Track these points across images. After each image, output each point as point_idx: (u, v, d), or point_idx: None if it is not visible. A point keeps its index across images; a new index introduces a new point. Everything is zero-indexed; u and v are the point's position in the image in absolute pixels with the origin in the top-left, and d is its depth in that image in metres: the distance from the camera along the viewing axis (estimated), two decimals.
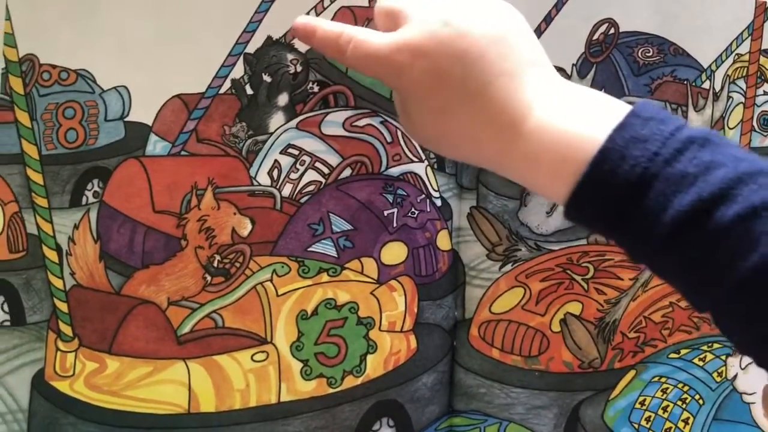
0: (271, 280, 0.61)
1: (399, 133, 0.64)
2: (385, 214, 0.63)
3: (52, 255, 0.59)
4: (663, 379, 0.67)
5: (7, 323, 0.58)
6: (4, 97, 0.58)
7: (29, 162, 0.58)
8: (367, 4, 0.62)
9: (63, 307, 0.59)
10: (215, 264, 0.61)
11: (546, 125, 0.43)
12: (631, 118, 0.41)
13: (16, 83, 0.58)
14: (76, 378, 0.58)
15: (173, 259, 0.60)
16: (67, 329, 0.59)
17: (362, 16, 0.63)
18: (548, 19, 0.68)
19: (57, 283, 0.59)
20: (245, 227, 0.61)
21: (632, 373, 0.67)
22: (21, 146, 0.58)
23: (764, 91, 0.71)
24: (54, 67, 0.59)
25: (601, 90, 0.67)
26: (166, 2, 0.59)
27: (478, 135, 0.45)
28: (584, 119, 0.42)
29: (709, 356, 0.67)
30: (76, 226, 0.59)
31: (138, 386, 0.59)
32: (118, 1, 0.59)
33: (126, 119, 0.60)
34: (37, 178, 0.58)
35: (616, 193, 0.40)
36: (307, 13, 0.62)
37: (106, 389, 0.59)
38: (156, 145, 0.60)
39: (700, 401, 0.66)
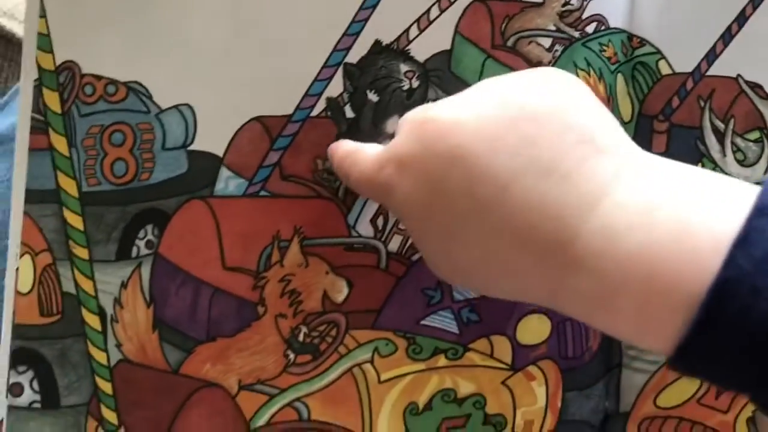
0: (371, 362, 0.48)
1: None
2: None
3: (93, 321, 0.47)
4: None
5: (37, 405, 0.48)
6: (37, 117, 0.46)
7: (66, 201, 0.46)
8: None
9: (107, 387, 0.47)
10: (301, 338, 0.48)
11: (616, 245, 0.30)
12: (760, 219, 0.27)
13: (52, 99, 0.46)
14: None
15: (247, 331, 0.48)
16: (111, 416, 0.48)
17: (500, 14, 0.47)
18: (741, 19, 0.52)
19: (99, 356, 0.47)
20: (340, 291, 0.48)
21: None
22: (56, 180, 0.46)
23: None
24: (99, 78, 0.47)
25: None
26: (245, 0, 0.45)
27: (507, 263, 0.33)
28: (682, 228, 0.29)
29: None
30: (124, 285, 0.47)
31: None
32: None
33: (190, 148, 0.47)
34: (75, 221, 0.47)
35: (750, 347, 0.27)
36: (429, 9, 0.47)
37: None
38: (228, 183, 0.47)
39: None
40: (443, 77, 0.47)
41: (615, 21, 0.52)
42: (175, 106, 0.47)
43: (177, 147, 0.47)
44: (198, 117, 0.47)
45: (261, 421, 0.48)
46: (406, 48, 0.47)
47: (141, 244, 0.48)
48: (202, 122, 0.47)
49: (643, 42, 0.52)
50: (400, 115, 0.47)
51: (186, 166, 0.47)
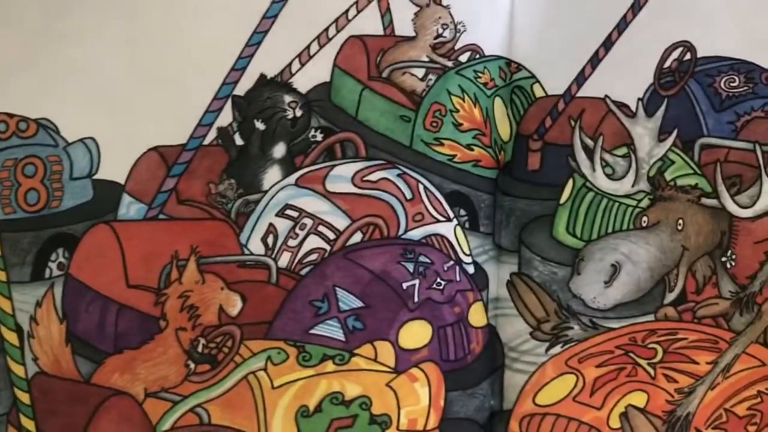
0: (265, 369, 0.52)
1: (421, 188, 0.54)
2: (404, 287, 0.53)
3: (11, 337, 0.52)
4: None
5: None
6: None
7: None
8: (381, 32, 0.51)
9: (25, 398, 0.52)
10: (199, 349, 0.52)
11: None
12: None
13: None
14: None
15: (151, 343, 0.52)
16: (29, 424, 0.52)
17: (375, 48, 0.52)
18: (608, 44, 0.56)
19: (18, 370, 0.52)
20: (235, 305, 0.52)
21: None
22: None
23: None
24: (11, 116, 0.51)
25: (674, 129, 0.56)
26: (140, 39, 0.50)
27: None
28: None
29: None
30: (38, 304, 0.52)
31: None
32: (85, 38, 0.50)
33: (94, 177, 0.51)
34: None
35: None
36: (309, 45, 0.51)
37: None
38: (130, 208, 0.52)
39: None
40: (324, 106, 0.52)
41: (492, 49, 0.56)
42: (81, 140, 0.51)
43: (83, 176, 0.52)
44: (101, 148, 0.51)
45: (166, 425, 0.52)
46: (289, 81, 0.51)
47: (53, 266, 0.52)
48: (105, 153, 0.51)
49: (520, 67, 0.56)
50: (286, 143, 0.51)
51: (91, 193, 0.52)
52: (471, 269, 0.56)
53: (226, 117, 0.51)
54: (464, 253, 0.55)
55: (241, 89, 0.51)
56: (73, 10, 0.51)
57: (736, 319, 0.58)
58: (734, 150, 0.58)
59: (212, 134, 0.51)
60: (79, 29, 0.51)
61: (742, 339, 0.57)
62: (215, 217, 0.52)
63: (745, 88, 0.57)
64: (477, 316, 0.56)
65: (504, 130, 0.57)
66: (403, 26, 0.54)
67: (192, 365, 0.52)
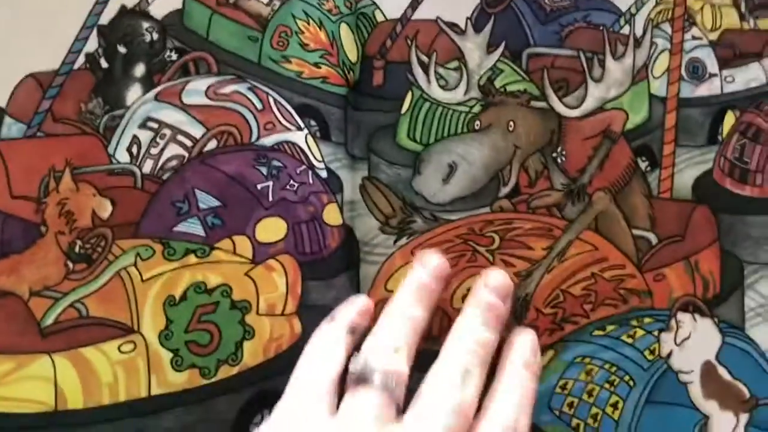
0: (135, 265, 0.57)
1: (271, 99, 0.60)
2: (259, 188, 0.59)
3: None
4: (587, 360, 0.60)
5: None
6: None
7: None
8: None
9: None
10: (77, 249, 0.57)
11: None
12: None
13: None
14: None
15: (33, 247, 0.58)
16: None
17: None
18: None
19: None
20: (105, 209, 0.58)
21: (550, 353, 0.61)
22: None
23: (692, 35, 0.64)
24: None
25: (501, 43, 0.62)
26: None
27: None
28: None
29: (640, 332, 0.60)
30: None
31: (1, 384, 0.56)
32: None
33: None
34: None
35: None
36: None
37: None
38: (11, 128, 0.58)
39: (631, 383, 0.59)
40: (178, 30, 0.58)
41: None
42: None
43: None
44: None
45: (49, 320, 0.57)
46: (147, 9, 0.58)
47: None
48: None
49: None
50: (145, 63, 0.58)
51: None
52: (324, 174, 0.61)
53: (92, 44, 0.58)
54: (316, 159, 0.61)
55: (104, 19, 0.58)
56: None
57: (568, 208, 0.63)
58: (560, 57, 0.64)
59: (81, 60, 0.58)
60: None
61: (575, 226, 0.63)
62: (86, 132, 0.58)
63: (568, 2, 0.64)
64: (332, 216, 0.61)
65: (352, 52, 0.63)
66: None
67: (71, 265, 0.58)
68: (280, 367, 0.59)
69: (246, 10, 0.60)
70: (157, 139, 0.59)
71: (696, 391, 0.60)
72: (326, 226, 0.61)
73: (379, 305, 0.61)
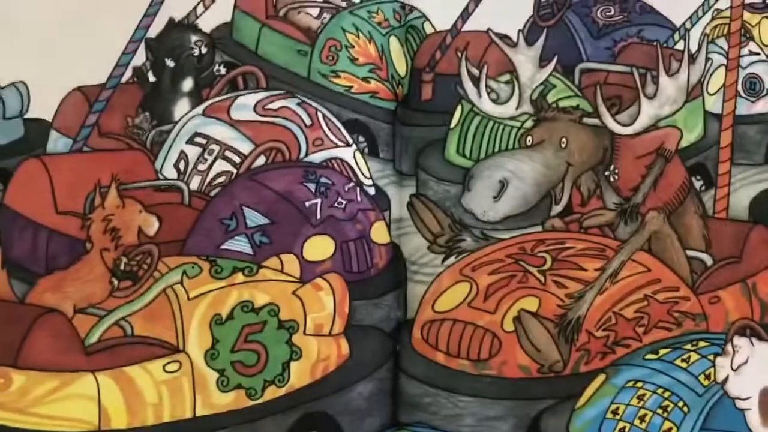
0: (181, 283, 0.57)
1: (320, 115, 0.59)
2: (307, 206, 0.58)
3: None
4: (639, 384, 0.59)
5: None
6: None
7: None
8: None
9: None
10: (122, 267, 0.57)
11: None
12: None
13: None
14: None
15: (78, 264, 0.58)
16: None
17: None
18: None
19: None
20: (151, 226, 0.57)
21: (601, 377, 0.59)
22: None
23: (749, 50, 0.63)
24: None
25: (554, 57, 0.61)
26: None
27: None
28: None
29: (694, 356, 0.59)
30: None
31: (45, 402, 0.57)
32: None
33: (25, 116, 0.57)
34: None
35: None
36: None
37: (11, 407, 0.56)
38: (57, 143, 0.58)
39: (685, 408, 0.58)
40: (226, 43, 0.57)
41: None
42: (12, 84, 0.57)
43: (15, 116, 0.57)
44: (31, 90, 0.57)
45: (93, 338, 0.57)
46: (195, 22, 0.57)
47: None
48: (34, 95, 0.57)
49: (412, 8, 0.62)
50: (193, 77, 0.57)
51: (23, 131, 0.57)
52: (372, 191, 0.60)
53: (140, 57, 0.57)
54: (364, 176, 0.60)
55: (152, 33, 0.57)
56: None
57: (621, 228, 0.62)
58: (613, 73, 0.62)
59: (128, 73, 0.57)
60: None
61: (628, 246, 0.61)
62: (133, 147, 0.57)
63: (621, 16, 0.62)
64: (379, 234, 0.60)
65: (401, 66, 0.62)
66: None
67: (116, 282, 0.58)
68: (327, 388, 0.58)
69: (295, 23, 0.59)
70: (205, 155, 0.58)
71: (754, 419, 0.59)
72: (374, 245, 0.60)
73: (426, 327, 0.60)
